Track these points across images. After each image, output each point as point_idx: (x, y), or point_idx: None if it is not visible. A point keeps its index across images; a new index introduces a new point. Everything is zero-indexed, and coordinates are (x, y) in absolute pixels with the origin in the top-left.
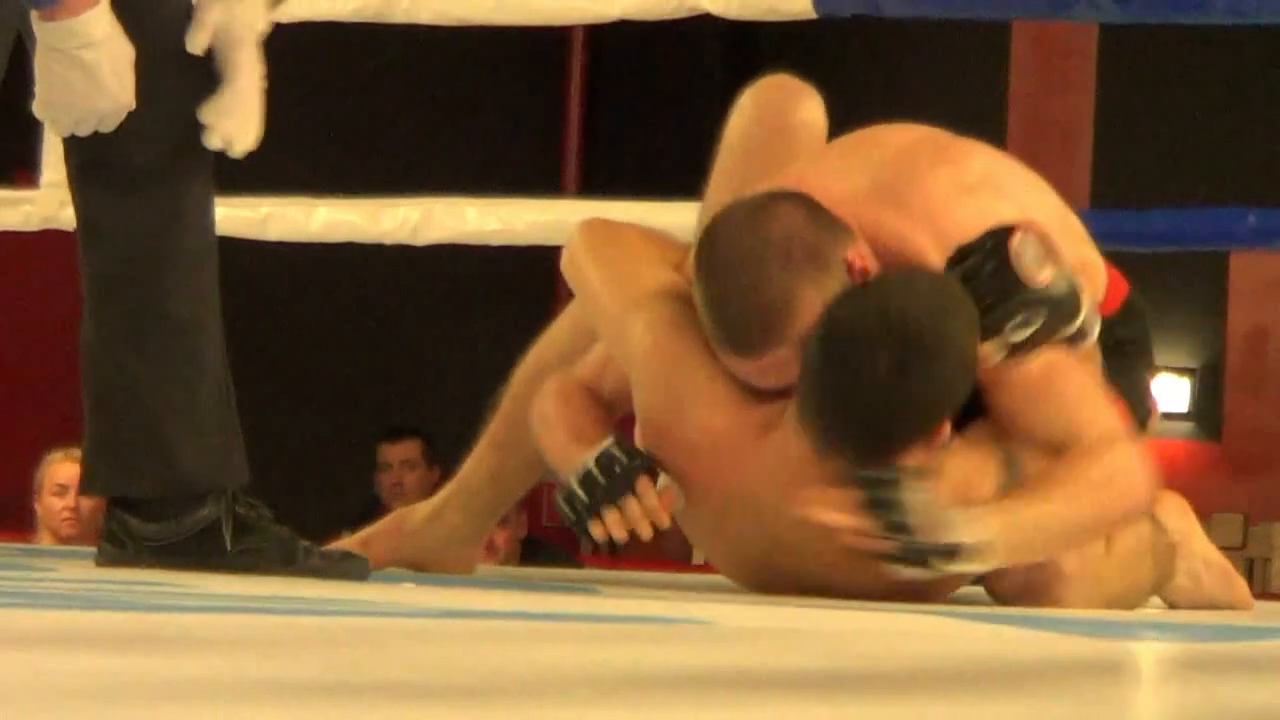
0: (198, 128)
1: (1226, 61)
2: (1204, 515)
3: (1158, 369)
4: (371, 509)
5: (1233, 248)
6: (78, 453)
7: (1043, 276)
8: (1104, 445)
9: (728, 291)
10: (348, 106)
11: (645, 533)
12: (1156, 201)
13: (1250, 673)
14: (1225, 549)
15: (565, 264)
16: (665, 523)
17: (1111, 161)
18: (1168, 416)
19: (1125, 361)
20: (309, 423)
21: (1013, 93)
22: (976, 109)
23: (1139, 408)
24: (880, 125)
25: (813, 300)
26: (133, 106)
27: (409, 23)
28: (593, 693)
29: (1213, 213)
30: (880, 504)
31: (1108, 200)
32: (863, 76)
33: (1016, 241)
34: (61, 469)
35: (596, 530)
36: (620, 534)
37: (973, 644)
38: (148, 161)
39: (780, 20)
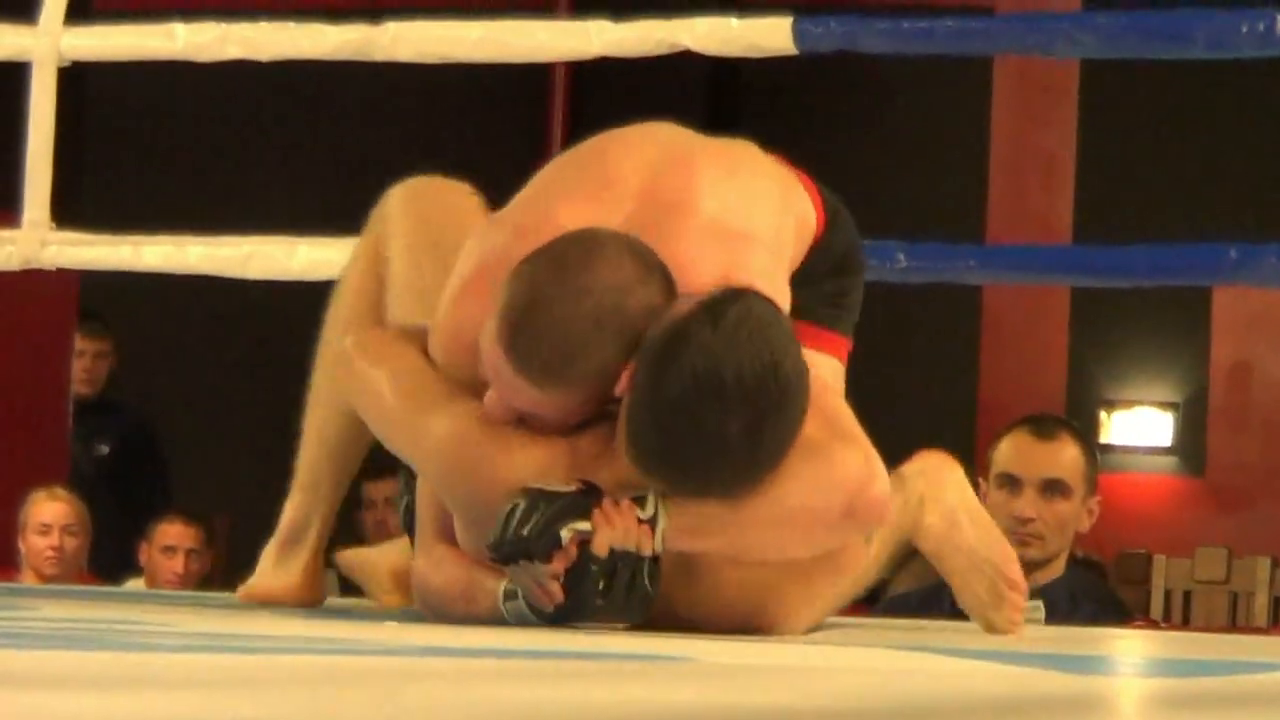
0: None
1: (1208, 96)
2: (1188, 549)
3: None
4: (356, 547)
5: (1215, 282)
6: (61, 492)
7: None
8: None
9: (527, 318)
10: (328, 144)
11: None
12: (1139, 236)
13: (1231, 707)
14: (1209, 583)
15: (342, 378)
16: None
17: (1094, 196)
18: (1151, 451)
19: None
20: (293, 460)
21: (994, 127)
22: (958, 144)
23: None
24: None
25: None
26: None
27: (389, 59)
28: None
29: (1195, 247)
30: None
31: (1090, 235)
32: (844, 112)
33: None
34: (45, 508)
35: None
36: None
37: (955, 681)
38: None
39: (762, 57)
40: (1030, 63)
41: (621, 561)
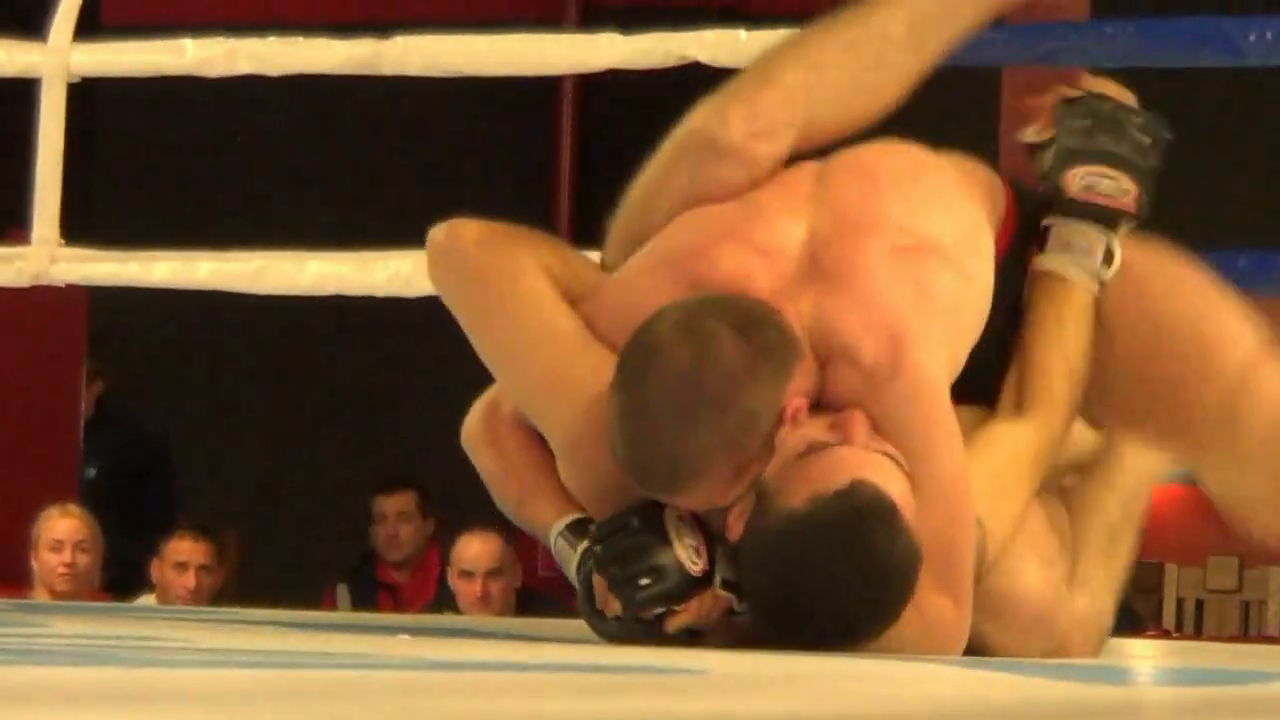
0: None
1: (1217, 104)
2: (1200, 559)
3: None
4: (366, 561)
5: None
6: (74, 508)
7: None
8: None
9: (635, 434)
10: (337, 158)
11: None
12: None
13: (1244, 716)
14: (1221, 592)
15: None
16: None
17: None
18: None
19: None
20: (304, 475)
21: (1003, 137)
22: (967, 152)
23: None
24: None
25: (729, 460)
26: None
27: (398, 73)
28: None
29: (1205, 255)
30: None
31: None
32: None
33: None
34: (58, 525)
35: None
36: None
37: (967, 690)
38: None
39: None
40: (1038, 72)
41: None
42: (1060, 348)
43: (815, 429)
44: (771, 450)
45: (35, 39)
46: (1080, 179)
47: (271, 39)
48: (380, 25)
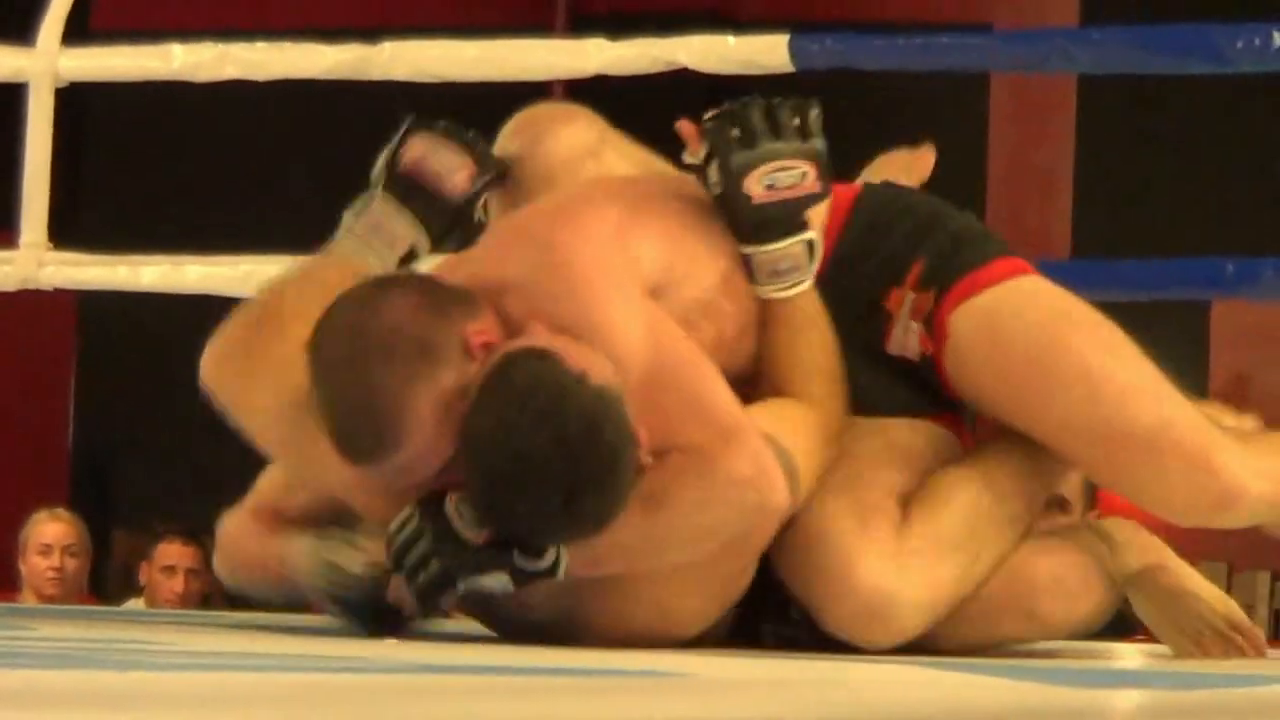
0: None
1: (1206, 110)
2: (1188, 563)
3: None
4: None
5: (1213, 296)
6: (63, 513)
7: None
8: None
9: (333, 399)
10: (325, 163)
11: None
12: (1137, 251)
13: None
14: None
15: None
16: None
17: (1091, 212)
18: None
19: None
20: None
21: (992, 143)
22: (955, 160)
23: None
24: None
25: (425, 398)
26: None
27: (386, 78)
28: None
29: (1192, 262)
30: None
31: (1088, 250)
32: (842, 130)
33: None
34: (47, 529)
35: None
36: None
37: (949, 692)
38: None
39: (758, 74)
40: (1027, 79)
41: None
42: (807, 357)
43: None
44: (467, 378)
45: (23, 44)
46: (759, 183)
47: (259, 44)
48: (368, 31)
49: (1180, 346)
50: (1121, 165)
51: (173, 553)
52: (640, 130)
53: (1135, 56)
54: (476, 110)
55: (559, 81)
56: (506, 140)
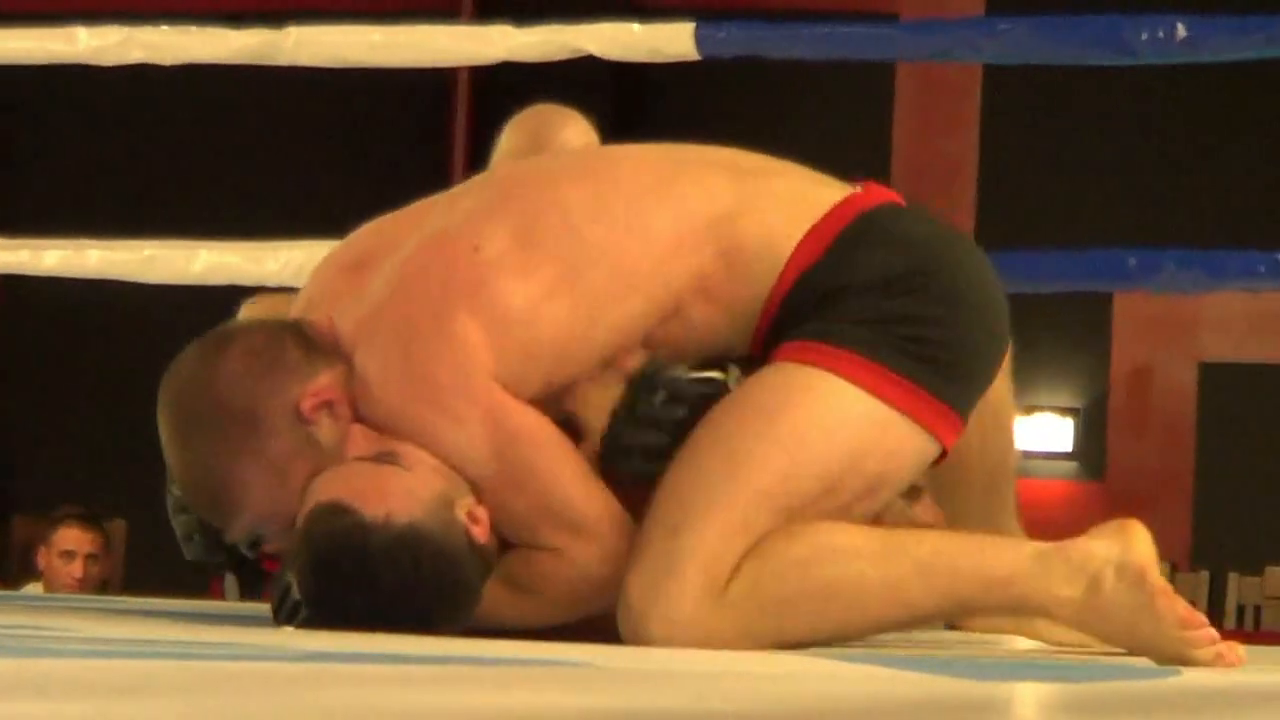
0: None
1: (1110, 101)
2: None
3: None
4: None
5: (1115, 288)
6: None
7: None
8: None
9: (174, 467)
10: (229, 148)
11: None
12: (1040, 242)
13: (1131, 713)
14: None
15: None
16: None
17: (996, 202)
18: (1052, 456)
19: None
20: None
21: (897, 133)
22: (861, 149)
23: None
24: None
25: (252, 470)
26: None
27: (293, 65)
28: None
29: (1095, 253)
30: None
31: (992, 240)
32: (747, 117)
33: (659, 371)
34: (69, 534)
35: None
36: None
37: (847, 685)
38: None
39: (664, 62)
40: (932, 68)
41: None
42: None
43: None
44: (315, 448)
45: None
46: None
47: (165, 28)
48: (275, 16)
49: (1083, 338)
50: (1026, 156)
51: (72, 538)
52: None
53: (1041, 47)
54: (383, 96)
55: (465, 68)
56: (509, 134)
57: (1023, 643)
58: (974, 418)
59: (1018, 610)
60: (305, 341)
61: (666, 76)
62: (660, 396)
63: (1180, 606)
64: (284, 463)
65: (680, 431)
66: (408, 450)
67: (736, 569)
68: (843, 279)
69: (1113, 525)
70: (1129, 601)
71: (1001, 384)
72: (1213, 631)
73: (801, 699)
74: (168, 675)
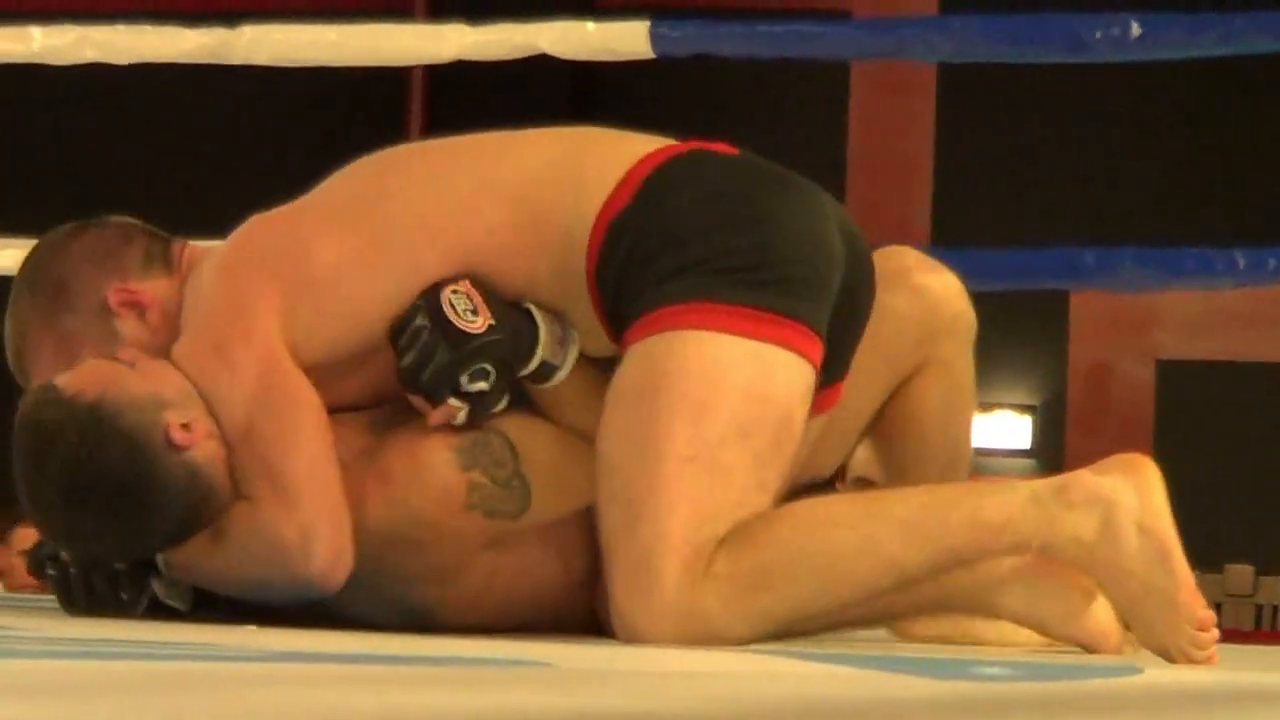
0: None
1: (1065, 99)
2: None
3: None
4: None
5: (1072, 286)
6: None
7: (476, 325)
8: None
9: (7, 318)
10: (184, 147)
11: None
12: (996, 239)
13: (1096, 712)
14: None
15: None
16: None
17: (951, 199)
18: (1010, 454)
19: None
20: None
21: (851, 131)
22: (816, 147)
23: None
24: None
25: (46, 337)
26: None
27: (247, 63)
28: None
29: (1052, 251)
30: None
31: (948, 238)
32: (702, 114)
33: (446, 296)
34: (28, 533)
35: None
36: None
37: (809, 684)
38: None
39: (619, 60)
40: (887, 66)
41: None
42: None
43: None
44: (112, 336)
45: None
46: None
47: (119, 27)
48: (229, 15)
49: (1040, 335)
50: (981, 154)
51: (32, 536)
52: (500, 114)
53: (995, 45)
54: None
55: (419, 66)
56: None
57: (976, 649)
58: (935, 386)
59: (1018, 554)
60: (156, 252)
61: (621, 75)
62: (419, 320)
63: (1200, 607)
64: (75, 344)
65: (459, 344)
66: (149, 362)
67: (717, 549)
68: (654, 224)
69: (1120, 460)
70: (1156, 583)
71: (963, 362)
72: (1216, 634)
73: (760, 699)
74: (131, 676)
